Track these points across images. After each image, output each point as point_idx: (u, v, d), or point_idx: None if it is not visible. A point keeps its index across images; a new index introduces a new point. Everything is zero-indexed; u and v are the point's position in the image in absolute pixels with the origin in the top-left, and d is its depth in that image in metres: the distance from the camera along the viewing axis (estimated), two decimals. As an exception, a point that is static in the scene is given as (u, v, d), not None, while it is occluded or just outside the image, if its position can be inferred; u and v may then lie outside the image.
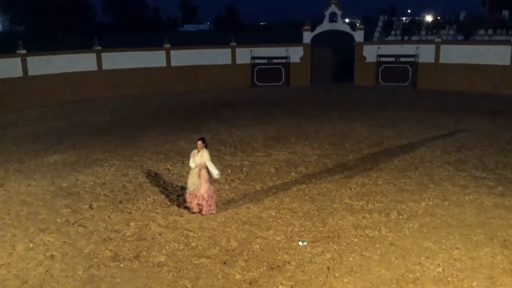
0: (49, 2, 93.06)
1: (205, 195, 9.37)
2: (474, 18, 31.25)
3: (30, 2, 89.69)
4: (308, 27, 27.53)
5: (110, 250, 8.22)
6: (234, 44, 27.32)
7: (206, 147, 9.38)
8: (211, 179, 9.50)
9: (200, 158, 9.29)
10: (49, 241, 8.62)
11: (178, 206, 9.97)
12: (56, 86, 23.40)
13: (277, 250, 8.10)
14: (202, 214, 9.46)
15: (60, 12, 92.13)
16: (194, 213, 9.52)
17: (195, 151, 9.40)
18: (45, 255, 8.10)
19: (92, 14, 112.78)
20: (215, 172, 9.37)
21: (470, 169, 12.02)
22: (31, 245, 8.48)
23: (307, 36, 27.60)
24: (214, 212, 9.54)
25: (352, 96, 23.96)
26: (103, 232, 8.96)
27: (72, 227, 9.20)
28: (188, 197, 9.57)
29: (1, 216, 9.77)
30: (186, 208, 9.70)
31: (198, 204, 9.46)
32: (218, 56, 27.18)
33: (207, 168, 9.33)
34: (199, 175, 9.30)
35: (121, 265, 7.72)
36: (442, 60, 25.33)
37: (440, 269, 7.37)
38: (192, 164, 9.39)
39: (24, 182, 11.86)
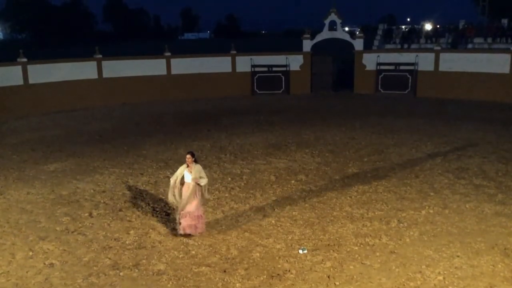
0: (50, 11, 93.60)
1: (198, 213, 8.77)
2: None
3: (31, 11, 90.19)
4: (308, 36, 27.63)
5: (110, 258, 8.19)
6: (234, 52, 27.40)
7: (195, 161, 8.72)
8: (202, 199, 8.96)
9: (194, 172, 8.60)
10: (48, 249, 8.60)
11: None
12: (57, 94, 23.42)
13: (277, 258, 8.08)
14: (196, 235, 8.86)
15: (60, 21, 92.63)
16: (188, 234, 8.87)
17: (184, 167, 8.73)
18: (44, 264, 8.07)
19: (93, 22, 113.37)
20: (203, 182, 8.73)
21: (471, 177, 12.01)
22: (31, 253, 8.46)
23: (307, 44, 27.71)
24: (203, 231, 8.98)
25: (352, 104, 23.99)
26: (102, 240, 8.94)
27: (72, 235, 9.18)
28: (182, 220, 8.80)
29: (0, 224, 9.75)
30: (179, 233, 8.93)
31: (191, 225, 8.80)
32: (218, 64, 27.24)
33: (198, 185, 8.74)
34: (193, 192, 8.63)
35: (121, 274, 7.69)
36: (442, 68, 25.40)
37: (441, 278, 7.35)
38: (172, 180, 8.69)
39: (24, 190, 11.85)
